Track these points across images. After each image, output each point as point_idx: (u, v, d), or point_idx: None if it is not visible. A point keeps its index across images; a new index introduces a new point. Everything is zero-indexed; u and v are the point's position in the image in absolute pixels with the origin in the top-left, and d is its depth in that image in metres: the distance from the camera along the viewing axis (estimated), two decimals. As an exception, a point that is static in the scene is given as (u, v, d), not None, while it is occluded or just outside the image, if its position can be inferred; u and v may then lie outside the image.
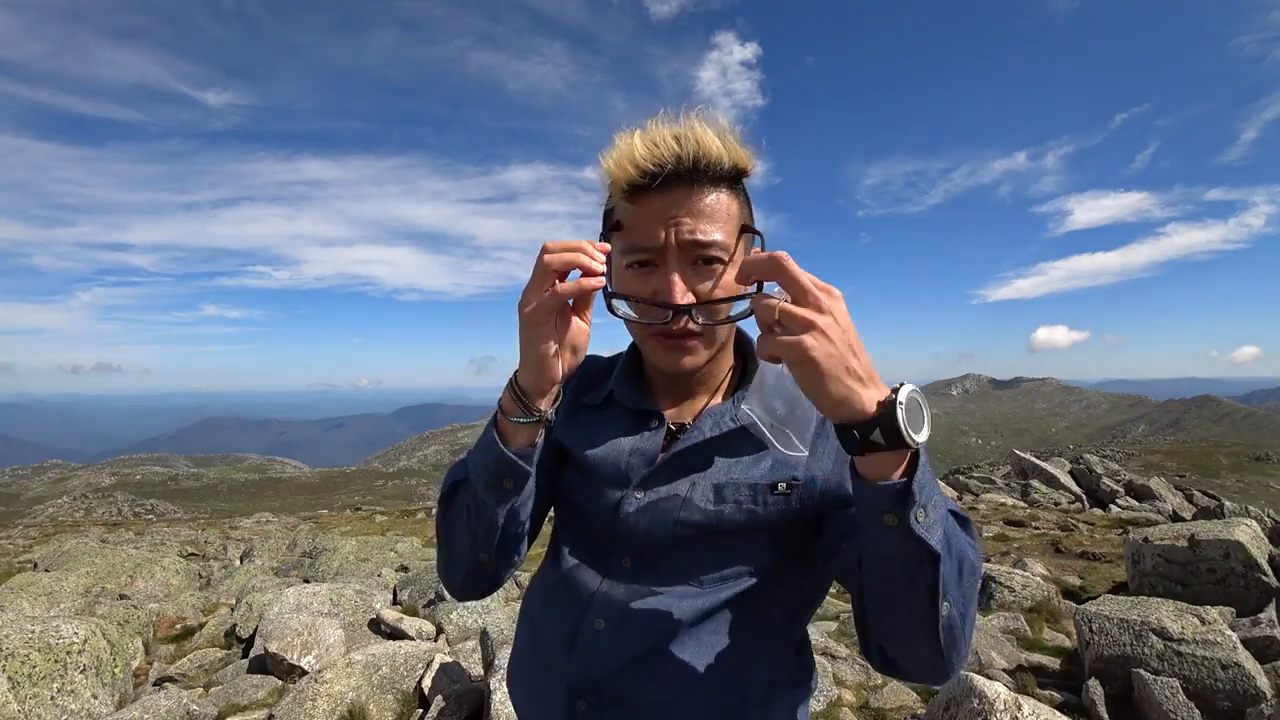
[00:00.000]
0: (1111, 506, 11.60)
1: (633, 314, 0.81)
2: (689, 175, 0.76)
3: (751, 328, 0.88)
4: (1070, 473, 14.23)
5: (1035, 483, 13.24)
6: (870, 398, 0.60)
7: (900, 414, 0.58)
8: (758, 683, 0.83)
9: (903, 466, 0.62)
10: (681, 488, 0.84)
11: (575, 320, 0.74)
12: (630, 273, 0.80)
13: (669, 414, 0.91)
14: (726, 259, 0.78)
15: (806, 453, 0.74)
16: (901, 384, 0.61)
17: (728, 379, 0.93)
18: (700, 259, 0.77)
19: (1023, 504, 11.37)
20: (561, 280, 0.69)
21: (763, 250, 0.81)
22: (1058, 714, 2.39)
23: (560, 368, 0.73)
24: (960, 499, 12.51)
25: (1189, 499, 12.88)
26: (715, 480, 0.84)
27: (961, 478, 16.29)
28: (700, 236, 0.76)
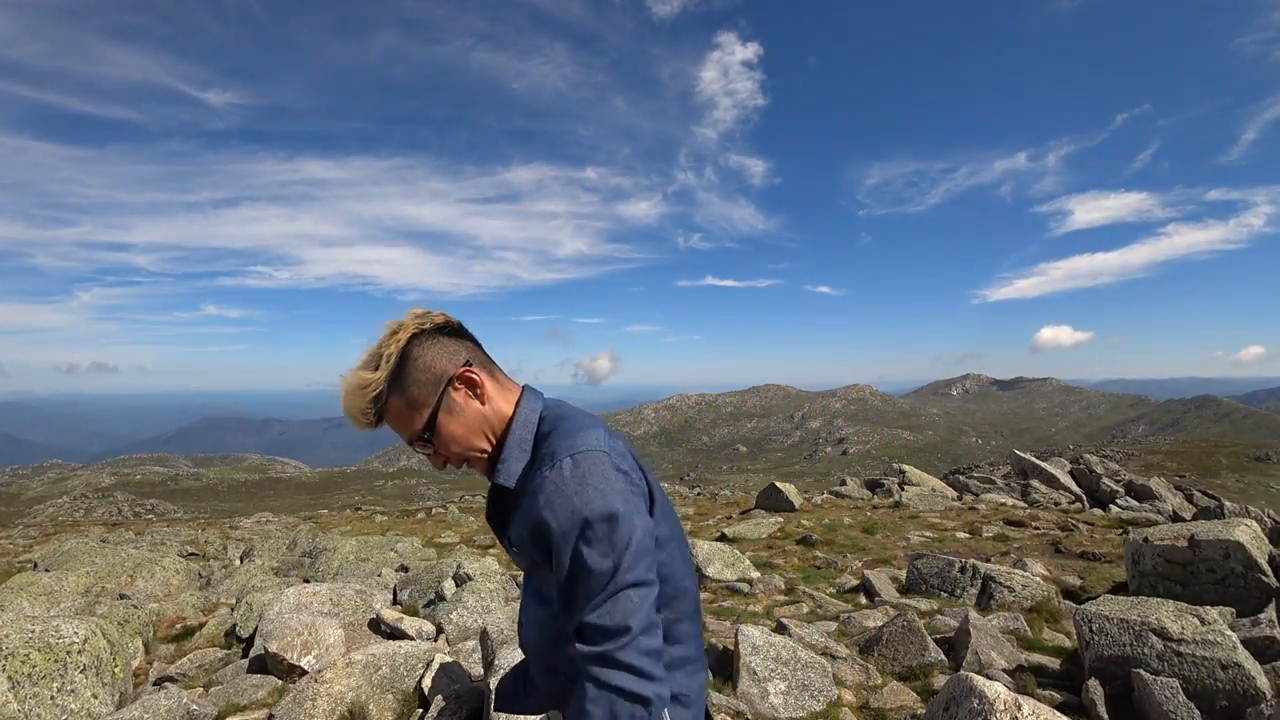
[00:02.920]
0: (1111, 506, 11.59)
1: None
2: (371, 424, 1.10)
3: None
4: (1070, 473, 14.22)
5: (1035, 483, 13.23)
6: None
7: None
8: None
9: None
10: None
11: None
12: None
13: None
14: (417, 435, 1.11)
15: None
16: None
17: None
18: (417, 442, 1.13)
19: (1023, 504, 11.36)
20: None
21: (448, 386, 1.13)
22: (1058, 714, 2.39)
23: None
24: (960, 499, 12.51)
25: (1189, 499, 12.88)
26: (511, 543, 1.15)
27: (961, 478, 16.28)
28: (407, 436, 1.12)
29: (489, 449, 1.14)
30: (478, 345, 1.18)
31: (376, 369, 1.07)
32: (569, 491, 0.98)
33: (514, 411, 1.16)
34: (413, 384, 1.08)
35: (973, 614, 3.89)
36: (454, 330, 1.15)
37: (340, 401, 1.09)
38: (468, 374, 1.11)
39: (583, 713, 0.93)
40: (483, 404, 1.12)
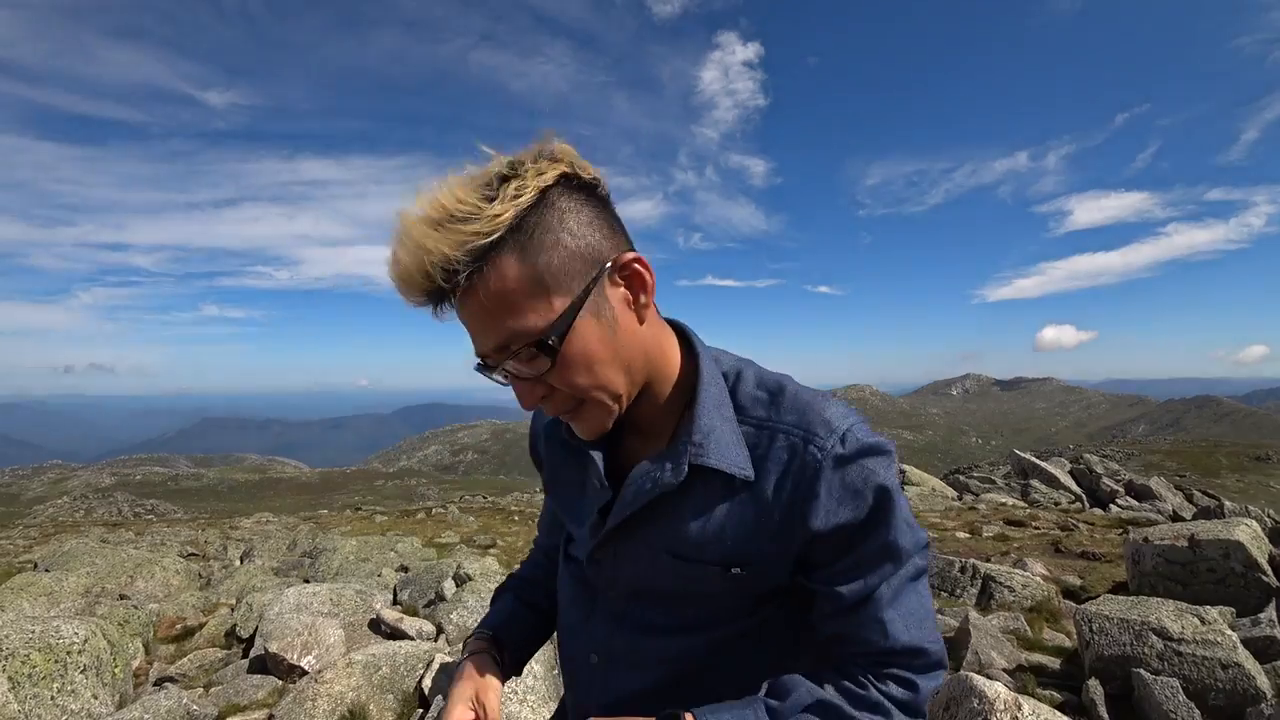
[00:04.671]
0: (1111, 506, 11.59)
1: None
2: (438, 295, 0.64)
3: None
4: (1070, 473, 14.22)
5: (1035, 482, 13.23)
6: None
7: None
8: None
9: None
10: (631, 551, 0.80)
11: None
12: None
13: (636, 458, 0.81)
14: (532, 337, 0.64)
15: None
16: None
17: (675, 413, 0.79)
18: (514, 359, 0.66)
19: (1023, 504, 11.36)
20: None
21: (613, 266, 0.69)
22: (1058, 714, 2.39)
23: None
24: (960, 499, 12.51)
25: (1189, 499, 12.88)
26: (661, 556, 0.77)
27: (961, 477, 16.29)
28: (495, 342, 0.66)
29: (624, 395, 0.72)
30: None
31: (494, 200, 0.62)
32: (891, 486, 0.72)
33: (685, 357, 0.79)
34: (552, 249, 0.64)
35: (973, 614, 3.89)
36: (608, 199, 0.71)
37: (397, 248, 0.62)
38: (637, 265, 0.69)
39: None
40: (642, 323, 0.71)
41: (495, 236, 0.61)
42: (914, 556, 0.74)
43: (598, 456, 0.80)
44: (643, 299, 0.70)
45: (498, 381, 0.70)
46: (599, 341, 0.67)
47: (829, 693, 0.72)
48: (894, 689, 0.72)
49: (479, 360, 0.69)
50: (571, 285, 0.65)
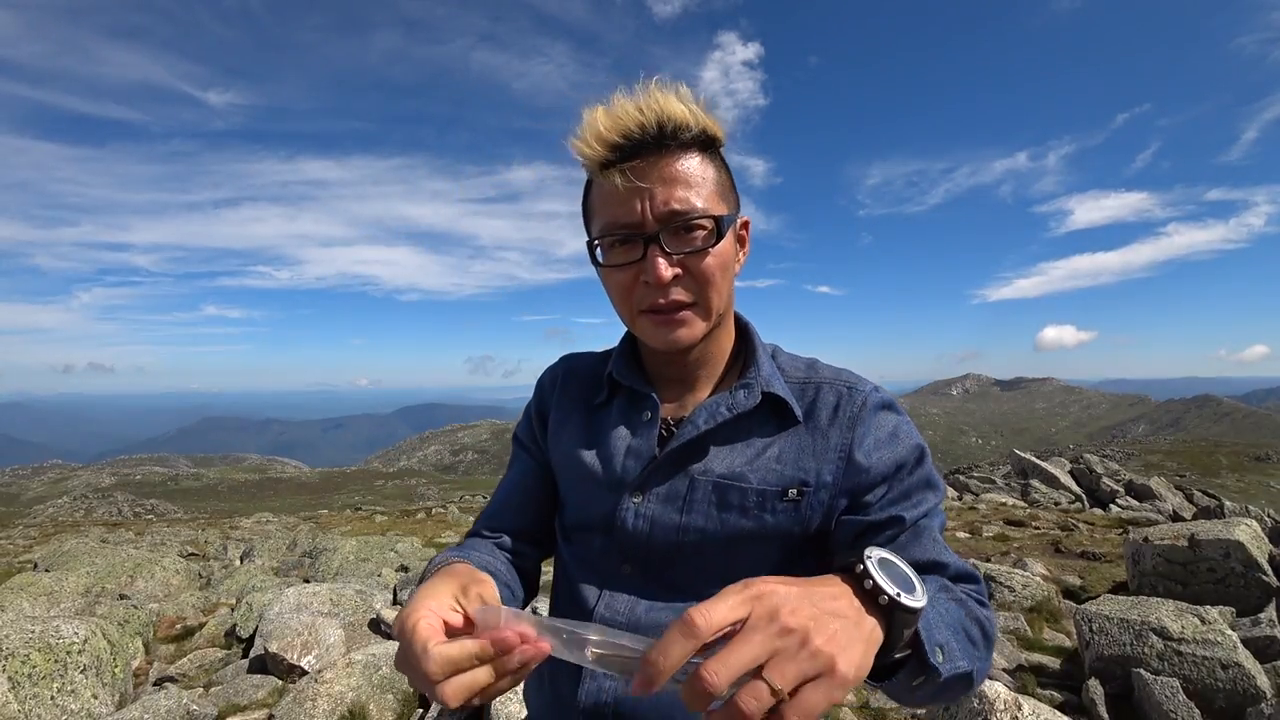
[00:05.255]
0: (1111, 506, 11.59)
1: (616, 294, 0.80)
2: (656, 142, 0.73)
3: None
4: (1070, 472, 14.22)
5: (1035, 482, 13.24)
6: (874, 635, 0.51)
7: (918, 632, 0.56)
8: None
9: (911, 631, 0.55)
10: (682, 490, 0.80)
11: None
12: (614, 251, 0.77)
13: (669, 407, 0.86)
14: (709, 224, 0.74)
15: None
16: (872, 572, 0.52)
17: (728, 363, 0.88)
18: (680, 228, 0.74)
19: (1023, 504, 11.36)
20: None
21: (740, 227, 0.83)
22: (1058, 714, 2.39)
23: None
24: (960, 499, 12.51)
25: (1189, 499, 12.88)
26: (718, 481, 0.79)
27: (961, 477, 16.29)
28: (676, 206, 0.73)
29: (719, 316, 0.81)
30: None
31: (691, 111, 0.74)
32: (916, 436, 0.81)
33: (738, 318, 0.91)
34: (728, 175, 0.80)
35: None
36: None
37: (619, 107, 0.72)
38: (748, 229, 0.85)
39: (987, 629, 0.71)
40: (738, 270, 0.83)
41: (703, 130, 0.75)
42: (941, 495, 0.81)
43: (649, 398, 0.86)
44: (743, 257, 0.84)
45: (660, 251, 0.74)
46: (729, 260, 0.79)
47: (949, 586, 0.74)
48: (978, 607, 0.73)
49: (624, 228, 0.75)
50: (729, 203, 0.79)
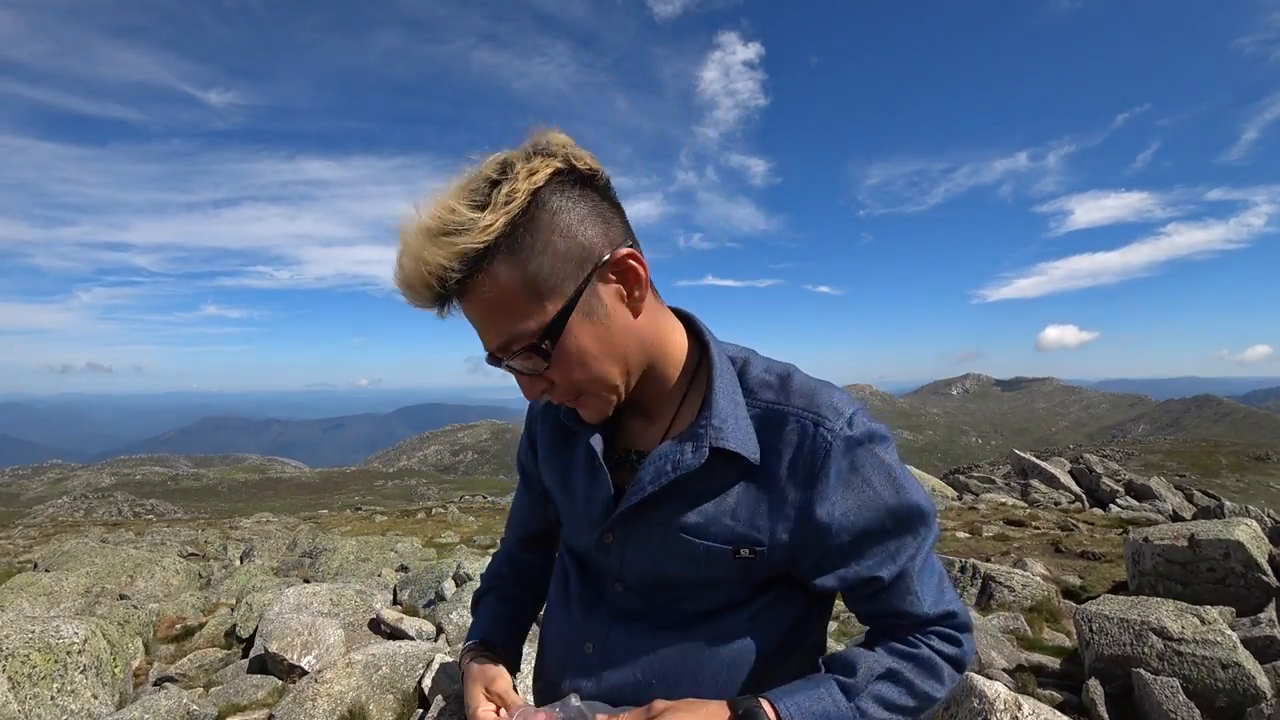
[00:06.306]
0: (1111, 506, 11.60)
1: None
2: (440, 300, 0.67)
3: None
4: (1070, 472, 14.23)
5: (1035, 482, 13.24)
6: None
7: None
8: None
9: None
10: (642, 535, 0.80)
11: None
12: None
13: (632, 437, 0.85)
14: (535, 338, 0.67)
15: None
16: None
17: (690, 377, 0.81)
18: (516, 355, 0.70)
19: (1023, 504, 11.37)
20: None
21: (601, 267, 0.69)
22: (1058, 714, 2.39)
23: None
24: (960, 499, 12.51)
25: (1189, 499, 12.88)
26: (674, 536, 0.77)
27: (961, 477, 16.29)
28: (495, 344, 0.70)
29: (621, 385, 0.75)
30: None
31: (485, 208, 0.63)
32: (896, 471, 0.75)
33: (693, 344, 0.82)
34: (542, 253, 0.65)
35: (973, 613, 3.89)
36: (606, 188, 0.71)
37: (400, 257, 0.65)
38: (630, 260, 0.70)
39: (918, 687, 0.76)
40: (636, 316, 0.73)
41: (486, 246, 0.63)
42: (931, 526, 0.78)
43: (597, 442, 0.82)
44: (636, 293, 0.71)
45: (508, 365, 0.73)
46: (592, 339, 0.69)
47: (891, 660, 0.76)
48: (944, 646, 0.78)
49: (487, 354, 0.73)
50: (564, 287, 0.67)
